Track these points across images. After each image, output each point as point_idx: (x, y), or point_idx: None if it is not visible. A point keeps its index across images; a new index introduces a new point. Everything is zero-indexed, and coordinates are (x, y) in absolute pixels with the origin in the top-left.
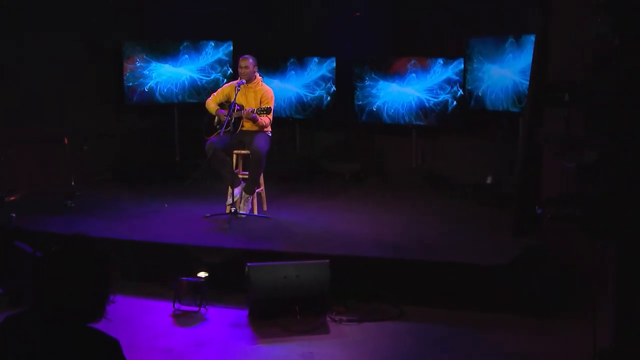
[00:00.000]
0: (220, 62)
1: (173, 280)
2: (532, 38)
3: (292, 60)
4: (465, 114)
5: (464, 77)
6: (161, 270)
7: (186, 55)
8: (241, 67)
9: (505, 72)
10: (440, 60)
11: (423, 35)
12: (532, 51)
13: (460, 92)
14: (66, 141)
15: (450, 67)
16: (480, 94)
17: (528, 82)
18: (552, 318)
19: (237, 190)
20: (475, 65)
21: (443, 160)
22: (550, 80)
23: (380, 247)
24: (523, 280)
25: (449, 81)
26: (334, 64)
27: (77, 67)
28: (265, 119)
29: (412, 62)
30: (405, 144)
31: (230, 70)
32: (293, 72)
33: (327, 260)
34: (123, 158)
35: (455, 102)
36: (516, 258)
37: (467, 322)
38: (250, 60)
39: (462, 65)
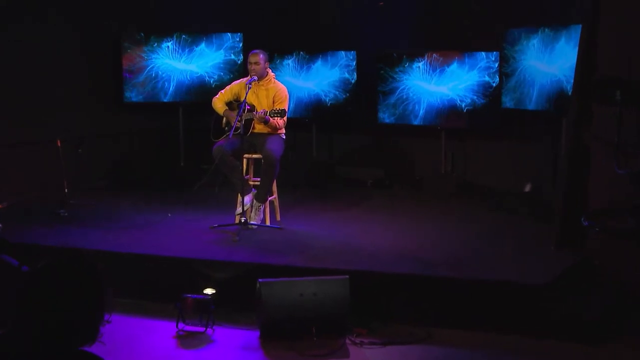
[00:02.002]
0: (230, 56)
1: (177, 298)
2: (579, 29)
3: (308, 55)
4: (502, 115)
5: (500, 74)
6: (163, 286)
7: (193, 49)
8: (251, 64)
9: (548, 68)
10: (474, 55)
11: (454, 27)
12: (578, 44)
13: (496, 89)
14: (59, 143)
15: (485, 62)
16: (518, 92)
17: (573, 79)
18: (603, 344)
19: (247, 199)
20: (513, 60)
21: (476, 166)
22: (599, 76)
23: (406, 262)
24: (568, 301)
25: (483, 78)
26: (355, 59)
27: (70, 61)
28: (279, 121)
29: (442, 57)
30: (434, 148)
31: (241, 61)
32: (309, 68)
33: (347, 277)
34: (122, 162)
35: (489, 101)
36: (560, 276)
37: (504, 347)
38: (261, 56)
39: (498, 60)
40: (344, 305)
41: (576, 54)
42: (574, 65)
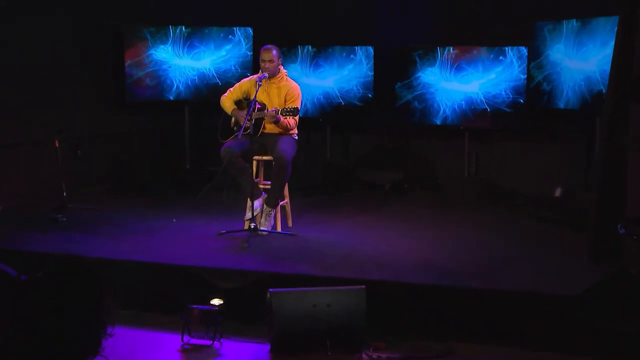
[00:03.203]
0: (240, 52)
1: (182, 309)
2: (615, 21)
3: (322, 50)
4: (530, 114)
5: (528, 70)
6: (168, 296)
7: (200, 44)
8: (264, 60)
9: (581, 64)
10: (500, 50)
11: (479, 19)
12: (614, 37)
13: (524, 87)
14: (57, 144)
15: (512, 57)
16: (548, 90)
17: (608, 75)
18: None
19: (257, 203)
20: (542, 56)
21: (502, 169)
22: (636, 72)
23: (427, 272)
24: (603, 314)
25: (509, 74)
26: (372, 56)
27: (69, 57)
28: (291, 121)
29: (465, 52)
30: (457, 149)
31: (251, 57)
32: (323, 64)
33: (364, 287)
34: (124, 164)
35: (517, 100)
36: (594, 286)
37: None
38: (274, 52)
39: (526, 56)
40: (359, 317)
41: (612, 48)
42: (610, 61)
